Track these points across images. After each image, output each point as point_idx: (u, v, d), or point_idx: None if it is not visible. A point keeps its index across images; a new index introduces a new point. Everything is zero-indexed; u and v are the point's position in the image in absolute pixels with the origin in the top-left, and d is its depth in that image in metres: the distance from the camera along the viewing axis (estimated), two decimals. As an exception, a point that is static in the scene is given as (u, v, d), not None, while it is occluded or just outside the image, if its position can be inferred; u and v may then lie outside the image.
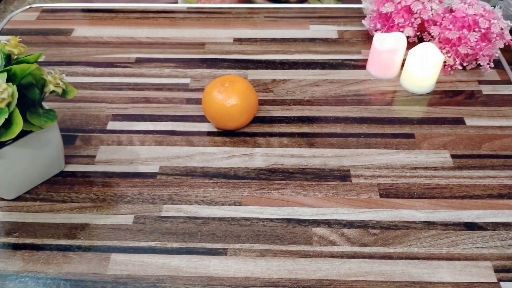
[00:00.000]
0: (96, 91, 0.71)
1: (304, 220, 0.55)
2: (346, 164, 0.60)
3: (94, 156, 0.62)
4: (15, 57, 0.52)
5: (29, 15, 0.87)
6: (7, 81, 0.48)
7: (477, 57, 0.71)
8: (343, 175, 0.59)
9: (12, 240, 0.53)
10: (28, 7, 0.89)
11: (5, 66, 0.51)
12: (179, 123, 0.66)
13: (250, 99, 0.62)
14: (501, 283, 0.49)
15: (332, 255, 0.51)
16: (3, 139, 0.48)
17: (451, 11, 0.73)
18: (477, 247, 0.52)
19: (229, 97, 0.60)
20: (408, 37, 0.75)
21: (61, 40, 0.81)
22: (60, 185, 0.59)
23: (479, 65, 0.73)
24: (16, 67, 0.49)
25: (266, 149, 0.63)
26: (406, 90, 0.71)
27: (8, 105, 0.47)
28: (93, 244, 0.53)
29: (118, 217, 0.55)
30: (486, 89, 0.71)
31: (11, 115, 0.48)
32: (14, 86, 0.48)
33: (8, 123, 0.48)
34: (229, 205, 0.56)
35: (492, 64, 0.71)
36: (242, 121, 0.63)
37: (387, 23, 0.75)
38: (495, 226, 0.54)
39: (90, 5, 0.89)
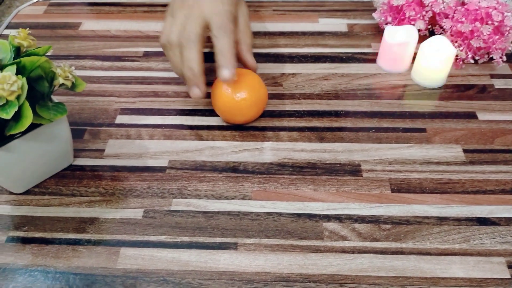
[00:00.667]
0: (104, 84, 0.71)
1: (314, 215, 0.54)
2: (357, 158, 0.60)
3: (103, 150, 0.62)
4: (24, 49, 0.52)
5: (36, 9, 0.87)
6: (17, 73, 0.48)
7: (490, 50, 0.70)
8: (354, 170, 0.59)
9: (21, 234, 0.53)
10: (35, 0, 0.89)
11: (14, 58, 0.50)
12: (187, 117, 0.66)
13: (259, 93, 0.61)
14: (515, 279, 0.48)
15: (343, 250, 0.51)
16: (13, 132, 0.48)
17: (463, 4, 0.72)
18: (490, 243, 0.51)
19: (238, 90, 0.60)
20: (419, 30, 0.74)
21: (69, 34, 0.80)
22: (69, 179, 0.59)
23: (491, 58, 0.72)
24: (25, 60, 0.49)
25: (276, 144, 0.62)
26: (417, 84, 0.70)
27: (18, 97, 0.47)
28: (103, 238, 0.53)
29: (128, 211, 0.55)
30: (499, 83, 0.70)
31: (20, 108, 0.48)
32: (24, 78, 0.48)
33: (18, 116, 0.48)
34: (238, 199, 0.56)
35: (504, 58, 0.70)
36: (252, 115, 0.62)
37: (398, 16, 0.75)
38: (509, 221, 0.53)
39: (98, -2, 0.89)
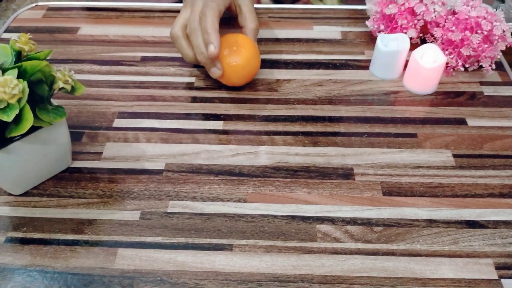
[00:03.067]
0: (102, 88, 0.72)
1: (308, 217, 0.56)
2: (349, 162, 0.61)
3: (101, 153, 0.63)
4: (25, 54, 0.53)
5: (35, 13, 0.88)
6: (18, 77, 0.49)
7: (479, 58, 0.72)
8: (346, 174, 0.60)
9: (19, 234, 0.54)
10: (34, 5, 0.90)
11: (15, 62, 0.51)
12: (184, 121, 0.67)
13: (251, 60, 0.68)
14: (502, 280, 0.50)
15: (336, 252, 0.52)
16: (14, 134, 0.49)
17: (454, 13, 0.74)
18: (479, 245, 0.53)
19: (232, 56, 0.67)
20: (411, 39, 0.76)
21: (67, 38, 0.82)
22: (67, 181, 0.60)
23: (481, 66, 0.74)
24: (26, 64, 0.50)
25: (271, 147, 0.63)
26: (409, 91, 0.72)
27: (19, 101, 0.48)
28: (100, 239, 0.53)
29: (125, 212, 0.56)
30: (488, 90, 0.72)
31: (21, 110, 0.49)
32: (25, 82, 0.49)
33: (18, 118, 0.49)
34: (234, 201, 0.57)
35: (493, 66, 0.72)
36: (243, 80, 0.70)
37: (391, 25, 0.76)
38: (496, 224, 0.55)
39: (96, 3, 0.90)
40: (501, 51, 0.73)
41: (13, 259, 0.52)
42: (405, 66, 0.73)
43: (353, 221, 0.55)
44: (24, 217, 0.56)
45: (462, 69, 0.74)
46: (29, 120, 0.49)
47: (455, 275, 0.50)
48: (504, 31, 0.70)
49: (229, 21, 0.75)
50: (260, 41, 0.81)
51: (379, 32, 0.78)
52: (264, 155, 0.62)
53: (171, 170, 0.61)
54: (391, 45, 0.70)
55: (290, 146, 0.64)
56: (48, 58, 0.77)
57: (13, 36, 0.82)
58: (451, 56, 0.73)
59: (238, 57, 0.67)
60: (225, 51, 0.66)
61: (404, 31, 0.75)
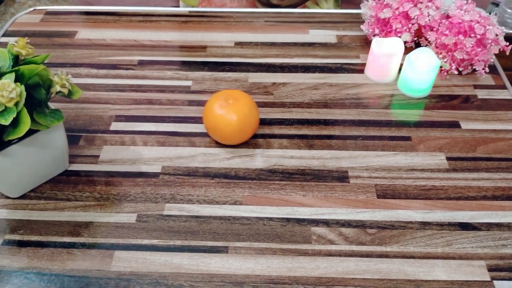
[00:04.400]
0: (99, 92, 0.73)
1: (303, 220, 0.56)
2: (344, 165, 0.62)
3: (98, 156, 0.63)
4: (23, 58, 0.54)
5: (33, 17, 0.88)
6: (15, 81, 0.50)
7: (473, 62, 0.73)
8: (341, 176, 0.61)
9: (17, 237, 0.55)
10: (32, 9, 0.90)
11: (13, 66, 0.52)
12: (181, 124, 0.68)
13: (249, 119, 0.61)
14: (494, 282, 0.50)
15: (330, 254, 0.53)
16: (11, 137, 0.49)
17: (448, 17, 0.75)
18: (472, 247, 0.54)
19: (229, 116, 0.60)
20: (405, 42, 0.77)
21: (65, 42, 0.82)
22: (64, 184, 0.60)
23: (474, 70, 0.75)
24: (24, 68, 0.51)
25: (266, 150, 0.64)
26: (403, 94, 0.72)
27: (16, 104, 0.49)
28: (97, 241, 0.54)
29: (121, 215, 0.56)
30: (481, 94, 0.72)
31: (19, 114, 0.49)
32: (22, 86, 0.49)
33: (16, 122, 0.49)
34: (230, 204, 0.58)
35: (487, 69, 0.73)
36: (240, 139, 0.63)
37: (385, 28, 0.77)
38: (489, 226, 0.55)
39: (94, 8, 0.90)
40: (494, 54, 0.74)
41: (10, 262, 0.52)
42: (400, 69, 0.74)
43: (348, 224, 0.56)
44: (21, 219, 0.56)
45: (456, 72, 0.74)
46: (26, 124, 0.50)
47: (448, 277, 0.51)
48: (497, 35, 0.71)
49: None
50: (256, 44, 0.81)
51: (374, 36, 0.79)
52: (259, 158, 0.63)
53: (168, 173, 0.61)
54: (386, 48, 0.71)
55: (286, 149, 0.64)
56: (45, 62, 0.78)
57: (11, 40, 0.82)
58: (445, 60, 0.73)
59: (234, 114, 0.60)
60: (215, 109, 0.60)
61: (399, 35, 0.76)
